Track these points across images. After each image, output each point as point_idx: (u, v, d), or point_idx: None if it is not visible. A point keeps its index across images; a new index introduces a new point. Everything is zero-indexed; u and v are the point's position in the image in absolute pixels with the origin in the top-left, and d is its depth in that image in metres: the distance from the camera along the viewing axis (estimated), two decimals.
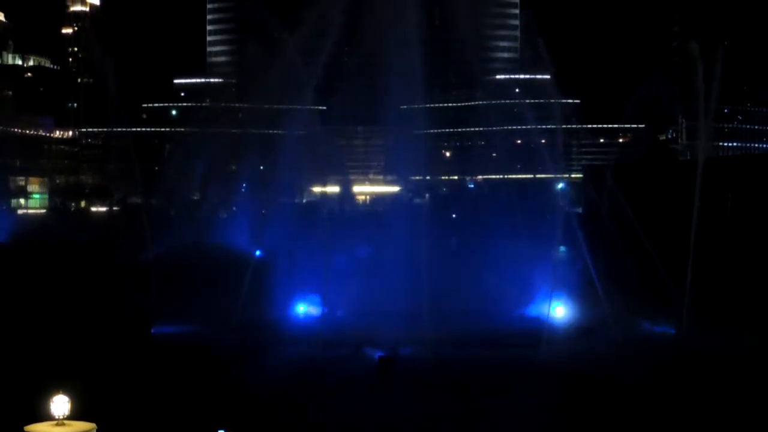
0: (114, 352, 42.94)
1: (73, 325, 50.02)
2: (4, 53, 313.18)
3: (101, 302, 57.90)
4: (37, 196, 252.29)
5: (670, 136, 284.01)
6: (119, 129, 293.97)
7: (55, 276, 71.20)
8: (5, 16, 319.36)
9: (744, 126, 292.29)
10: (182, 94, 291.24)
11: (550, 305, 51.73)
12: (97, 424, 21.37)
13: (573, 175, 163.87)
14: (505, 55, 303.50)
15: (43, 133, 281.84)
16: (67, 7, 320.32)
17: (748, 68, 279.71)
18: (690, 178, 55.65)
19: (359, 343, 44.37)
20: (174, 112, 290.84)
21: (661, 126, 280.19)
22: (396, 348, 43.03)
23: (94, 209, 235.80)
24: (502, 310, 52.40)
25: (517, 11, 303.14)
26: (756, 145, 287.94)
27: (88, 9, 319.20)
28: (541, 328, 46.94)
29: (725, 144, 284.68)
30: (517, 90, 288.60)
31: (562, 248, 56.60)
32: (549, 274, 52.84)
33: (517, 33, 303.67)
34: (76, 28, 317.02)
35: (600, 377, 38.14)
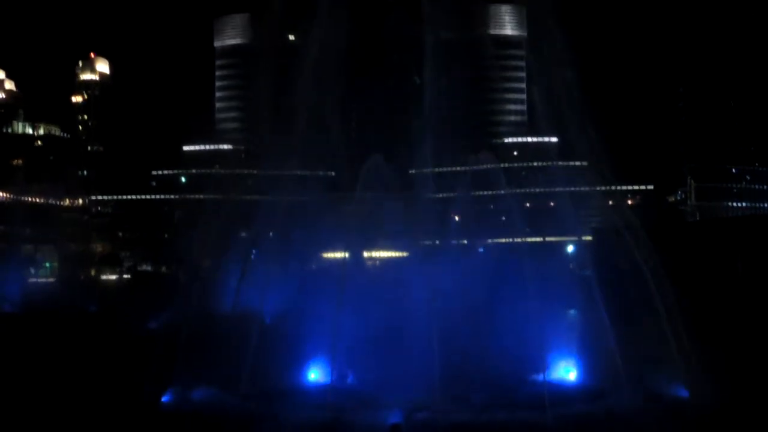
0: (124, 421, 42.75)
1: (82, 394, 49.89)
2: (14, 122, 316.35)
3: (111, 371, 57.73)
4: (47, 264, 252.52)
5: (679, 197, 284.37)
6: (129, 196, 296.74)
7: (65, 345, 71.15)
8: (15, 85, 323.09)
9: (753, 186, 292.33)
10: (191, 160, 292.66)
11: (562, 369, 51.62)
12: None
13: (583, 237, 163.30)
14: (513, 118, 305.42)
15: (53, 201, 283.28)
16: (77, 75, 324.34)
17: (756, 127, 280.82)
18: (701, 239, 55.61)
19: (370, 410, 44.08)
20: (183, 179, 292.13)
21: (669, 187, 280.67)
22: (408, 414, 42.81)
23: (104, 277, 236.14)
24: (515, 375, 52.14)
25: (523, 74, 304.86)
26: (765, 205, 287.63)
27: (97, 77, 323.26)
28: (551, 392, 46.64)
29: (734, 204, 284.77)
30: (525, 153, 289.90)
31: (573, 311, 56.38)
32: (562, 337, 52.65)
33: (524, 96, 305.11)
34: (86, 97, 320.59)
35: None
